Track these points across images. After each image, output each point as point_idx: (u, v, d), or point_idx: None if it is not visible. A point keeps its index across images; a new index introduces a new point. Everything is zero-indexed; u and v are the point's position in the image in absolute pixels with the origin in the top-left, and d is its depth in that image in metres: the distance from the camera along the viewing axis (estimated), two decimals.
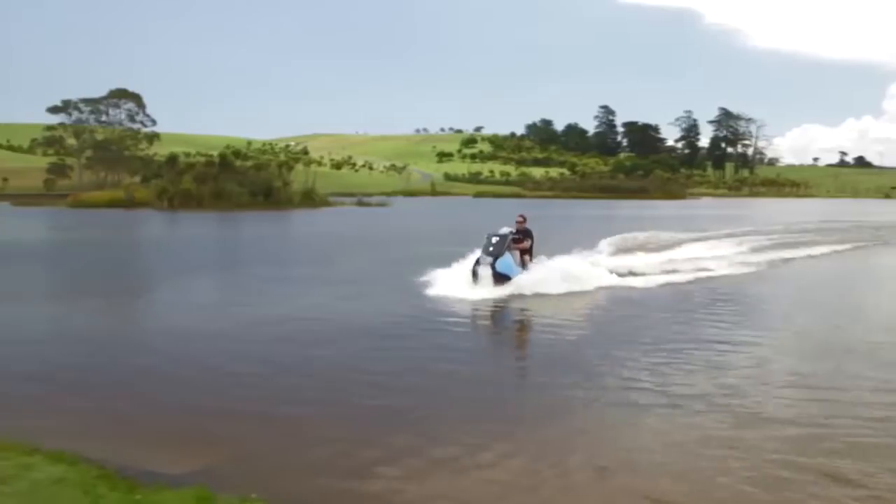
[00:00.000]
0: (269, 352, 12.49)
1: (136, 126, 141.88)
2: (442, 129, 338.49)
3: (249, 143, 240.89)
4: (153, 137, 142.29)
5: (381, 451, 7.56)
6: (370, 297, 18.48)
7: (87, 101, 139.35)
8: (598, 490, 6.86)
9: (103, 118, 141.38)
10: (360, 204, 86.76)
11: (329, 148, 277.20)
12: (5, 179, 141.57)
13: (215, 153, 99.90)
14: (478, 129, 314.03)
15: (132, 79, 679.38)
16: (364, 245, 33.94)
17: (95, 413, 9.00)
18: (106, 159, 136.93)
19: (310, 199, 78.65)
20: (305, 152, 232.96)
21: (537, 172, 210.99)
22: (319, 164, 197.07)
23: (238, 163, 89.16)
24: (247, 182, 76.29)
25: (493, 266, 19.15)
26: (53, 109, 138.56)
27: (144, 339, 14.05)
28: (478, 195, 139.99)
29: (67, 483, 5.75)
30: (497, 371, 11.62)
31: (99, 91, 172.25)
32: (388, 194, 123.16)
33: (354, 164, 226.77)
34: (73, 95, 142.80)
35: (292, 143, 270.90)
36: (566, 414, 9.13)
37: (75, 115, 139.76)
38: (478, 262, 19.52)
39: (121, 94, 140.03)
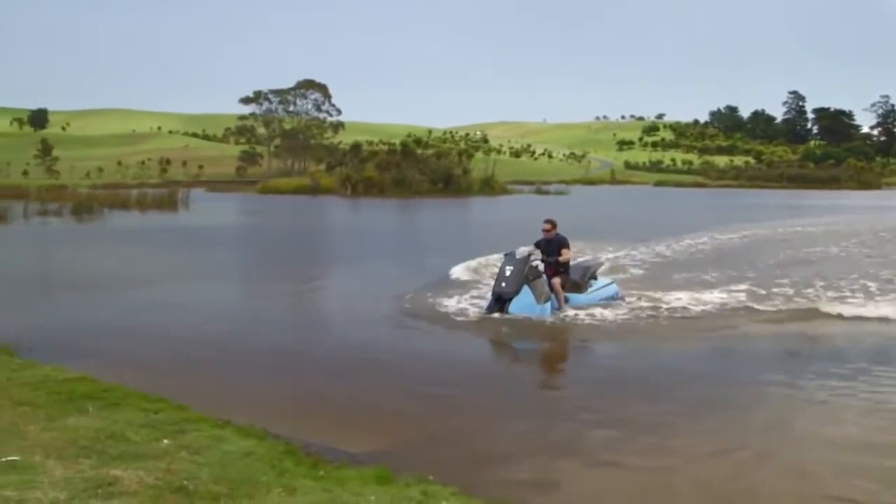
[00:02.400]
0: (449, 338, 12.44)
1: (321, 115, 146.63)
2: (622, 117, 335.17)
3: (430, 131, 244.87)
4: (338, 126, 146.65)
5: (566, 446, 7.33)
6: None
7: (276, 92, 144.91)
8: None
9: (291, 108, 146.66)
10: (539, 192, 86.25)
11: (508, 136, 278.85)
12: (201, 167, 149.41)
13: (397, 141, 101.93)
14: (659, 116, 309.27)
15: (319, 69, 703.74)
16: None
17: (282, 390, 9.16)
18: (293, 148, 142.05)
19: (489, 186, 78.70)
20: (485, 140, 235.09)
21: (721, 161, 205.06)
22: (499, 152, 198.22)
23: (419, 151, 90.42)
24: (427, 170, 77.14)
25: (505, 309, 13.56)
26: (245, 100, 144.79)
27: (328, 319, 14.28)
28: (658, 184, 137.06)
29: (256, 456, 5.85)
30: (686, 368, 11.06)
31: (287, 82, 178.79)
32: (567, 182, 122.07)
33: (533, 152, 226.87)
34: (264, 87, 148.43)
35: (475, 132, 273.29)
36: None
37: (265, 105, 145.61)
38: (492, 305, 13.88)
39: (308, 85, 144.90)
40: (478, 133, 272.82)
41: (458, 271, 19.18)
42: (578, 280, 14.86)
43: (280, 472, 5.62)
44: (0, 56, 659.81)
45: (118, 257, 24.02)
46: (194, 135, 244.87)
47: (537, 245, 14.60)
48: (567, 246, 14.63)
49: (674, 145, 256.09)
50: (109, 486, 4.89)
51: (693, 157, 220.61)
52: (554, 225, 14.78)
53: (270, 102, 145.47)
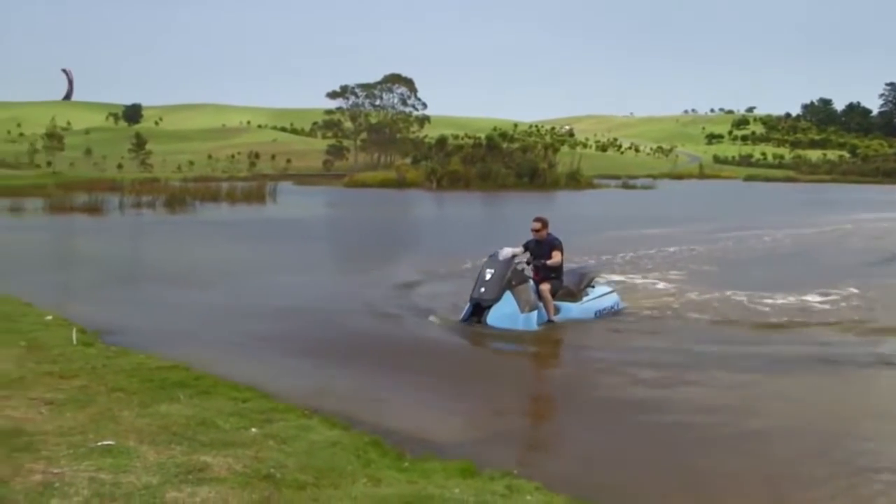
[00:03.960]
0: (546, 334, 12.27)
1: (407, 109, 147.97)
2: (711, 110, 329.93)
3: (516, 125, 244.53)
4: (424, 120, 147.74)
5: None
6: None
7: (362, 87, 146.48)
8: None
9: (377, 102, 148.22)
10: (625, 186, 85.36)
11: (594, 130, 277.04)
12: (289, 160, 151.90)
13: (482, 135, 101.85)
14: (749, 109, 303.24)
15: (405, 63, 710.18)
16: (624, 225, 33.09)
17: (367, 381, 9.21)
18: (379, 141, 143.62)
19: (574, 180, 78.15)
20: (571, 134, 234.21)
21: (814, 155, 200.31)
22: (585, 146, 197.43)
23: (504, 145, 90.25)
24: (513, 164, 77.09)
25: (483, 319, 11.82)
26: (332, 95, 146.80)
27: (406, 313, 14.17)
28: (748, 178, 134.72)
29: (342, 446, 5.89)
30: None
31: (374, 76, 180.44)
32: (654, 177, 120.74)
33: (620, 146, 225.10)
34: (351, 81, 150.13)
35: (561, 126, 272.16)
36: None
37: (352, 99, 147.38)
38: (469, 313, 12.14)
39: (394, 79, 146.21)
40: (564, 127, 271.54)
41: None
42: (573, 288, 12.95)
43: (365, 462, 5.65)
44: (96, 53, 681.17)
45: (209, 248, 24.49)
46: (282, 129, 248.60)
47: (526, 247, 12.77)
48: (559, 248, 12.62)
49: (764, 139, 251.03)
50: (200, 472, 4.98)
51: (784, 152, 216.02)
52: (545, 224, 12.88)
53: (357, 97, 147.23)
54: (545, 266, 12.51)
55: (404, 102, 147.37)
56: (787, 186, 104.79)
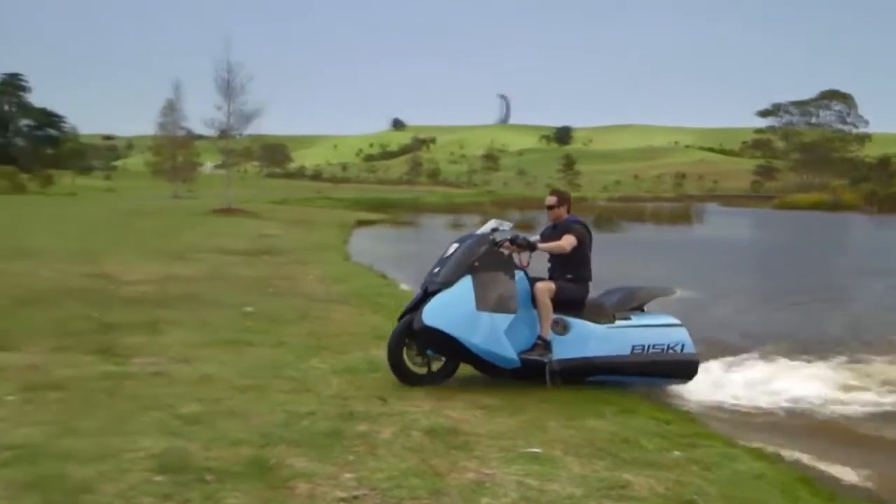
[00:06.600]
0: None
1: (846, 127, 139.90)
2: None
3: None
4: (864, 138, 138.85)
5: None
6: None
7: (796, 104, 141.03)
8: None
9: (812, 120, 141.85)
10: None
11: None
12: (716, 181, 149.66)
13: None
14: None
15: (843, 78, 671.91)
16: None
17: (786, 415, 8.81)
18: (812, 161, 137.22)
19: None
20: None
21: None
22: None
23: None
24: None
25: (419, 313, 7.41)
26: (763, 113, 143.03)
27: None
28: None
29: (767, 480, 5.71)
30: None
31: (808, 93, 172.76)
32: None
33: None
34: (783, 98, 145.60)
35: None
36: None
37: (784, 117, 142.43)
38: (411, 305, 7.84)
39: (831, 96, 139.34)
40: None
41: None
42: (608, 307, 8.28)
43: (793, 499, 5.40)
44: (531, 79, 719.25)
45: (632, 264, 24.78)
46: (710, 149, 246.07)
47: (542, 236, 8.43)
48: (576, 233, 8.05)
49: None
50: (622, 489, 5.03)
51: None
52: (562, 199, 8.37)
53: (790, 115, 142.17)
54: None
55: (842, 120, 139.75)
56: None
